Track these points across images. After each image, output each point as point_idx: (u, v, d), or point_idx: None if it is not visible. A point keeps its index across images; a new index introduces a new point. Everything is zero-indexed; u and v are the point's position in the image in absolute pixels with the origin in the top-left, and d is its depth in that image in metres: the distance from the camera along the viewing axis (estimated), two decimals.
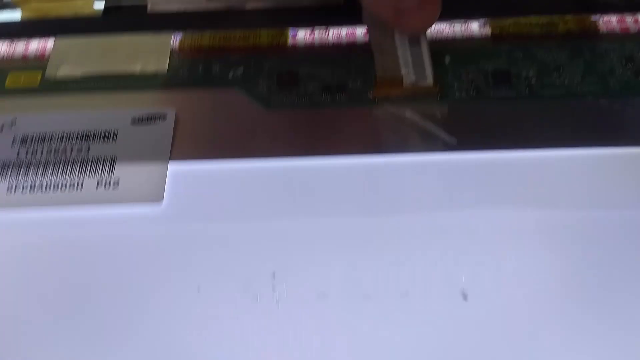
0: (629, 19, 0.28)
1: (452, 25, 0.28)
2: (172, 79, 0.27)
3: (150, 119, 0.26)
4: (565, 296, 0.20)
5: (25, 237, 0.22)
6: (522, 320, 0.19)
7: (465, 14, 0.28)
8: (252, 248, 0.21)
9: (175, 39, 0.29)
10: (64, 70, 0.28)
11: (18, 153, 0.25)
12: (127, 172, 0.24)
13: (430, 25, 0.24)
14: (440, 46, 0.27)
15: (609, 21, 0.28)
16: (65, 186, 0.24)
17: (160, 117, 0.26)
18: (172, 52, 0.28)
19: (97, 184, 0.24)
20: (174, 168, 0.24)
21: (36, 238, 0.22)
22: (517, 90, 0.26)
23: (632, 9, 0.29)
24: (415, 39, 0.26)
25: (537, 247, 0.21)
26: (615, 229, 0.21)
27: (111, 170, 0.24)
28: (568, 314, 0.19)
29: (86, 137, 0.26)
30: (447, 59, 0.27)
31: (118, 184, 0.24)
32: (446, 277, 0.20)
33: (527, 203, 0.22)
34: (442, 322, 0.19)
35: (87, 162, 0.25)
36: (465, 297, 0.20)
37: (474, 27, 0.28)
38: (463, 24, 0.28)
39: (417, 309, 0.20)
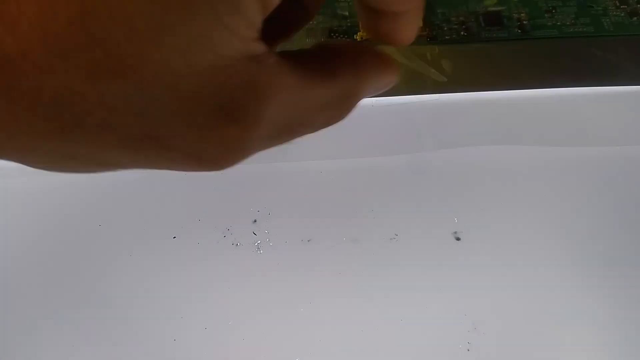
0: None
1: None
2: None
3: None
4: (560, 233, 0.19)
5: None
6: (516, 258, 0.19)
7: None
8: (232, 192, 0.20)
9: None
10: None
11: None
12: None
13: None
14: None
15: None
16: None
17: None
18: None
19: None
20: None
21: None
22: (508, 31, 0.25)
23: None
24: None
25: (530, 183, 0.20)
26: (607, 163, 0.20)
27: None
28: (563, 249, 0.19)
29: None
30: (437, 2, 0.26)
31: None
32: (438, 219, 0.19)
33: (519, 141, 0.21)
34: (435, 263, 0.19)
35: None
36: (458, 238, 0.19)
37: None
38: None
39: (408, 251, 0.19)
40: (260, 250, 0.19)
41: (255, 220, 0.20)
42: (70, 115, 0.09)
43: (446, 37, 0.25)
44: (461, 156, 0.21)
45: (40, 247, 0.20)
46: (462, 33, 0.25)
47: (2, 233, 0.19)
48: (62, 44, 0.09)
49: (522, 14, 0.25)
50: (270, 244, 0.19)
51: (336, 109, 0.14)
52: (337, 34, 0.25)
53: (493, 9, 0.25)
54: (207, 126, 0.11)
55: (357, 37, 0.25)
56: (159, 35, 0.09)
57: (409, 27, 0.14)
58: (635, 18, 0.25)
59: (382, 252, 0.19)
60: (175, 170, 0.12)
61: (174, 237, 0.20)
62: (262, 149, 0.13)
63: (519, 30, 0.25)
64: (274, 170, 0.21)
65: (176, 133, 0.11)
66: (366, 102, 0.22)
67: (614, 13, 0.25)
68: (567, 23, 0.25)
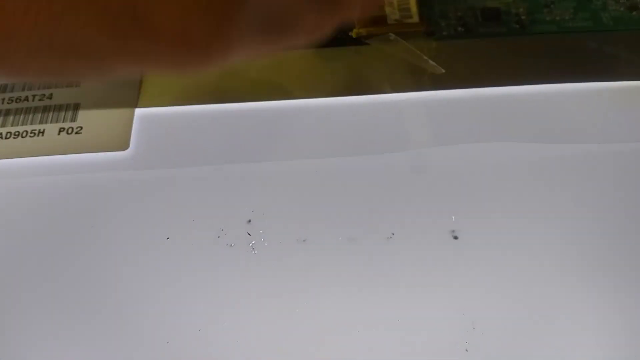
0: None
1: None
2: None
3: None
4: (560, 231, 0.19)
5: None
6: (515, 257, 0.18)
7: None
8: (226, 192, 0.20)
9: None
10: None
11: None
12: (91, 119, 0.22)
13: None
14: None
15: None
16: (27, 133, 0.22)
17: None
18: None
19: (60, 131, 0.22)
20: (142, 113, 0.22)
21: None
22: (507, 27, 0.24)
23: None
24: None
25: (529, 180, 0.20)
26: (608, 160, 0.20)
27: (74, 117, 0.23)
28: (563, 248, 0.18)
29: (48, 85, 0.24)
30: None
31: (81, 131, 0.22)
32: (435, 217, 0.19)
33: (519, 137, 0.21)
34: (433, 262, 0.18)
35: (50, 109, 0.23)
36: (455, 237, 0.19)
37: None
38: None
39: (405, 250, 0.18)
40: (254, 251, 0.19)
41: (249, 221, 0.20)
42: None
43: (444, 33, 0.24)
44: (459, 153, 0.20)
45: (31, 247, 0.19)
46: (459, 29, 0.24)
47: None
48: None
49: (520, 9, 0.25)
50: (265, 244, 0.19)
51: (321, 14, 0.13)
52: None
53: (491, 4, 0.25)
54: (190, 2, 0.10)
55: (353, 33, 0.24)
56: None
57: None
58: (635, 12, 0.25)
59: (378, 251, 0.19)
60: (163, 68, 0.11)
61: (167, 238, 0.19)
62: (253, 46, 0.12)
63: (518, 26, 0.24)
64: (268, 169, 0.20)
65: (157, 8, 0.10)
66: (360, 99, 0.22)
67: (613, 7, 0.25)
68: (566, 18, 0.25)
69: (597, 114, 0.21)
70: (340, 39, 0.24)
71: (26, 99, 0.23)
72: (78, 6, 0.09)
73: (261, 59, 0.11)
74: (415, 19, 0.24)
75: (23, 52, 0.10)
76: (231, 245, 0.19)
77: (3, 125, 0.23)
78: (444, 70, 0.22)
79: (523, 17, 0.25)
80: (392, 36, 0.23)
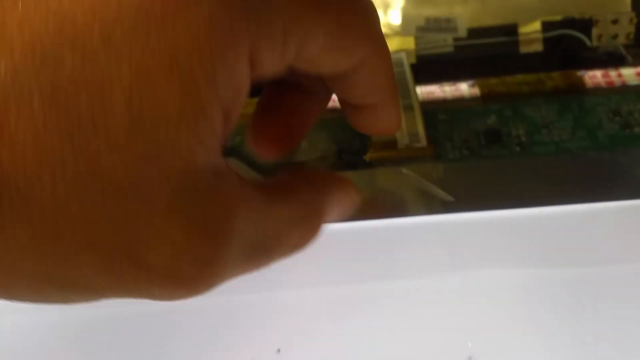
0: (612, 73, 0.29)
1: (442, 87, 0.29)
2: None
3: None
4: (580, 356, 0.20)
5: None
6: None
7: (453, 76, 0.29)
8: (255, 321, 0.21)
9: None
10: None
11: None
12: None
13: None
14: (431, 107, 0.28)
15: (594, 76, 0.29)
16: None
17: None
18: None
19: None
20: None
21: None
22: (508, 149, 0.26)
23: (615, 64, 0.30)
24: (408, 103, 0.26)
25: (537, 304, 0.21)
26: (613, 282, 0.21)
27: None
28: None
29: None
30: (439, 120, 0.28)
31: None
32: (452, 343, 0.20)
33: (525, 262, 0.22)
34: None
35: None
36: None
37: (463, 87, 0.29)
38: (452, 85, 0.29)
39: None
40: None
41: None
42: (52, 228, 0.10)
43: (450, 157, 0.26)
44: (473, 278, 0.21)
45: None
46: (464, 152, 0.26)
47: None
48: (51, 157, 0.10)
49: (520, 130, 0.27)
50: None
51: (304, 228, 0.14)
52: (347, 154, 0.27)
53: (492, 126, 0.27)
54: (182, 241, 0.11)
55: (367, 157, 0.26)
56: (135, 145, 0.10)
57: (388, 116, 0.16)
58: (627, 130, 0.27)
59: None
60: (151, 298, 0.12)
61: None
62: (240, 271, 0.13)
63: (518, 148, 0.26)
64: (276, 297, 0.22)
65: (152, 247, 0.11)
66: (367, 224, 0.24)
67: (608, 125, 0.27)
68: (564, 138, 0.26)
69: (602, 235, 0.23)
70: (353, 163, 0.26)
71: None
72: (85, 249, 0.10)
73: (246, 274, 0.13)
74: (423, 142, 0.26)
75: (24, 285, 0.11)
76: None
77: None
78: (453, 199, 0.24)
79: (523, 139, 0.27)
80: (405, 170, 0.25)
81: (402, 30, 0.30)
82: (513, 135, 0.27)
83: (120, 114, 0.10)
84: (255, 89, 0.13)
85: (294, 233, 0.14)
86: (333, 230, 0.24)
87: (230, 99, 0.11)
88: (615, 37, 0.31)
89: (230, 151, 0.27)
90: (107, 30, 0.10)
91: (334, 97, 0.16)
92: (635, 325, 0.20)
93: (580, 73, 0.29)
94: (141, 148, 0.10)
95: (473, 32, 0.30)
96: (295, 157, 0.27)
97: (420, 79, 0.29)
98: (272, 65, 0.12)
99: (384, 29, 0.33)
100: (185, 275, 0.11)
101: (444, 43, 0.30)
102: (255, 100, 0.16)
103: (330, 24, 0.12)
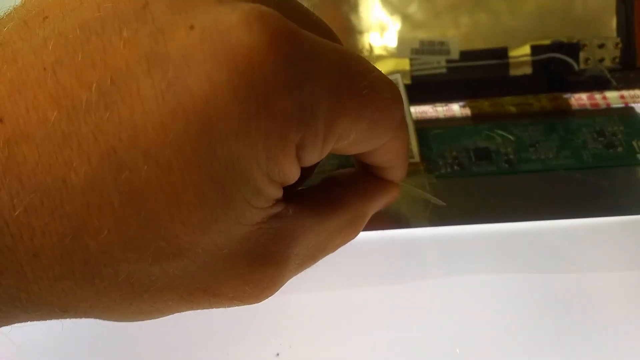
0: (598, 96, 0.31)
1: (435, 107, 0.30)
2: None
3: None
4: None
5: None
6: None
7: (446, 96, 0.31)
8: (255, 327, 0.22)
9: None
10: None
11: None
12: None
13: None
14: (425, 126, 0.29)
15: (580, 98, 0.31)
16: None
17: None
18: None
19: None
20: None
21: None
22: (497, 166, 0.28)
23: (600, 87, 0.31)
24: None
25: (523, 310, 0.22)
26: (594, 289, 0.22)
27: None
28: None
29: None
30: (432, 138, 0.29)
31: None
32: (440, 350, 0.21)
33: (513, 269, 0.23)
34: None
35: None
36: None
37: (455, 108, 0.30)
38: (445, 106, 0.31)
39: None
40: None
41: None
42: (139, 286, 0.13)
43: (442, 171, 0.27)
44: (461, 285, 0.23)
45: None
46: (455, 167, 0.28)
47: None
48: (135, 243, 0.12)
49: (508, 149, 0.28)
50: None
51: (350, 230, 0.17)
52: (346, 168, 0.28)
53: (482, 144, 0.28)
54: (248, 274, 0.14)
55: None
56: (208, 230, 0.12)
57: (395, 174, 0.18)
58: (611, 150, 0.28)
59: None
60: (218, 307, 0.15)
61: None
62: (290, 277, 0.16)
63: (507, 165, 0.28)
64: (290, 301, 0.23)
65: (223, 284, 0.14)
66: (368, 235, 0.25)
67: (592, 145, 0.28)
68: (551, 157, 0.28)
69: (587, 247, 0.24)
70: None
71: None
72: (167, 290, 0.13)
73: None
74: (417, 158, 0.28)
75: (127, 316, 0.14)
76: None
77: None
78: (445, 204, 0.25)
79: (511, 157, 0.28)
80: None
81: (398, 52, 0.32)
82: (502, 153, 0.28)
83: (195, 209, 0.12)
84: None
85: (339, 238, 0.17)
86: None
87: (284, 182, 0.14)
88: (601, 60, 0.32)
89: None
90: (177, 144, 0.11)
91: None
92: (617, 329, 0.21)
93: (566, 95, 0.31)
94: (214, 231, 0.12)
95: (465, 55, 0.32)
96: None
97: (415, 99, 0.30)
98: (311, 160, 0.14)
99: (380, 51, 0.34)
100: (249, 296, 0.14)
101: (438, 65, 0.31)
102: None
103: (364, 124, 0.14)
